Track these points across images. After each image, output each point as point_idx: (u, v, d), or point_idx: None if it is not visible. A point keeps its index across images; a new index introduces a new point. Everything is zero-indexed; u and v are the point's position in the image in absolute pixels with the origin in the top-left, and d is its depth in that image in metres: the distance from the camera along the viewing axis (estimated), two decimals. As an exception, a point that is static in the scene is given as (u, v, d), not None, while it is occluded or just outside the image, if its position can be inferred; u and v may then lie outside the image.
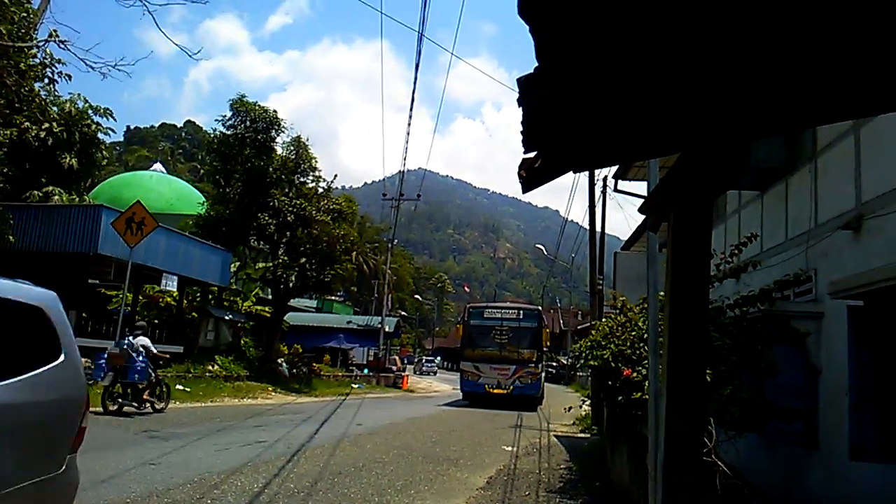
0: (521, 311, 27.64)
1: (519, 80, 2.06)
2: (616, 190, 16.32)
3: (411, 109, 20.63)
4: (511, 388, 25.30)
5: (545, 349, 29.18)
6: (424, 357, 74.16)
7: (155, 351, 14.76)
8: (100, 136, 23.73)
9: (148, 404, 14.10)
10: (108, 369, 13.69)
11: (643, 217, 3.17)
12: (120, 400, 13.61)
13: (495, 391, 25.37)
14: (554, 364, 58.18)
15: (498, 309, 28.11)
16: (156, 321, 25.65)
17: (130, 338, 14.32)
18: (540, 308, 30.75)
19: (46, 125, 20.76)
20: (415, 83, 18.86)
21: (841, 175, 7.32)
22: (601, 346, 9.45)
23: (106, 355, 14.06)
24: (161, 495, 6.92)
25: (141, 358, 13.89)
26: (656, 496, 3.98)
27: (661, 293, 4.61)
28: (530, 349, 25.94)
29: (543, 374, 27.84)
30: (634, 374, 7.13)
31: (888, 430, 6.24)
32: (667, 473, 2.59)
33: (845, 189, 7.11)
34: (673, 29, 1.78)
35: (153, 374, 14.35)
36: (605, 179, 22.33)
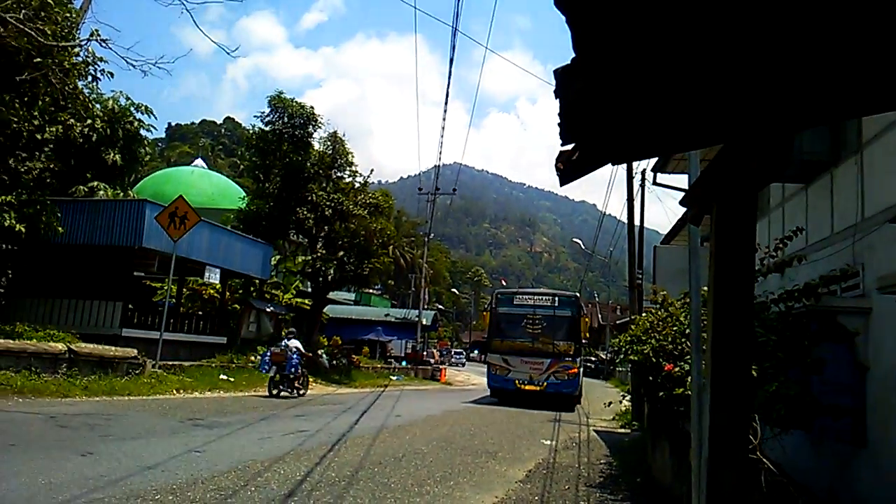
0: (557, 299, 23.88)
1: (556, 72, 2.03)
2: (655, 183, 16.06)
3: (446, 104, 20.73)
4: (545, 384, 22.19)
5: (584, 342, 26.17)
6: (453, 350, 74.62)
7: (303, 350, 19.21)
8: (142, 132, 24.32)
9: (296, 390, 18.67)
10: (271, 364, 18.19)
11: (683, 210, 3.12)
12: (281, 387, 18.17)
13: (527, 387, 22.30)
14: (593, 359, 57.71)
15: (530, 296, 24.72)
16: (199, 313, 26.21)
17: (287, 341, 18.98)
18: (578, 295, 26.51)
19: (90, 122, 21.29)
20: (449, 77, 19.11)
21: (888, 167, 7.09)
22: (641, 341, 9.34)
23: (269, 354, 18.61)
24: (206, 482, 7.06)
25: (294, 355, 18.28)
26: (700, 493, 3.92)
27: (704, 287, 4.52)
28: (567, 341, 22.85)
29: (582, 370, 24.31)
30: (676, 370, 7.03)
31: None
32: (711, 470, 2.55)
33: (893, 181, 6.89)
34: (713, 17, 1.74)
35: (301, 368, 18.78)
36: (643, 172, 22.15)
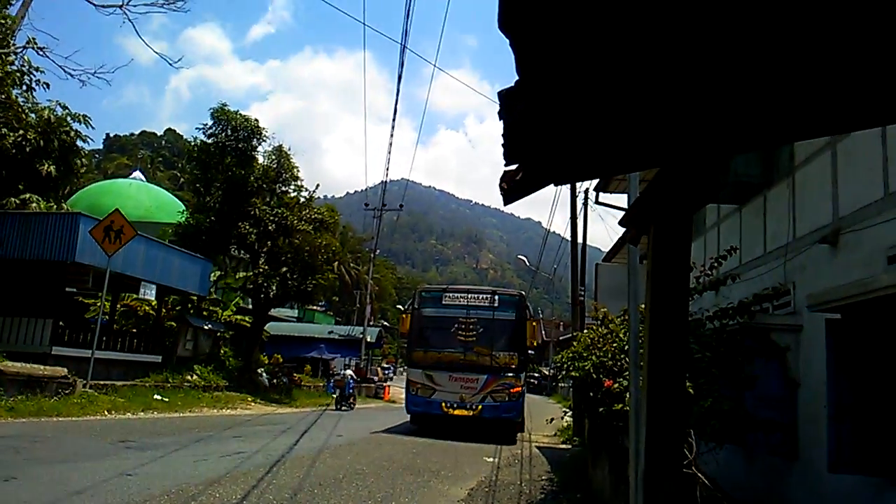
0: (497, 298, 18.40)
1: (500, 94, 2.06)
2: (597, 202, 16.42)
3: (394, 120, 20.65)
4: (479, 407, 17.02)
5: (530, 352, 21.15)
6: (381, 365, 74.03)
7: (355, 376, 30.74)
8: (79, 143, 23.46)
9: (350, 406, 27.46)
10: (334, 388, 30.17)
11: (624, 229, 3.20)
12: (341, 404, 27.03)
13: (456, 412, 17.07)
14: (536, 375, 58.13)
15: (462, 294, 18.71)
16: (134, 330, 25.33)
17: (345, 371, 30.48)
18: (523, 294, 20.10)
19: (23, 132, 20.51)
20: (397, 94, 18.76)
21: (818, 190, 7.42)
22: (583, 357, 9.47)
23: (333, 381, 32.17)
24: (137, 508, 6.81)
25: (350, 381, 28.33)
26: (636, 509, 3.98)
27: (643, 305, 4.63)
28: (509, 352, 17.65)
29: (525, 389, 18.38)
30: (615, 385, 7.15)
31: (866, 442, 6.30)
32: (647, 484, 2.60)
33: (822, 203, 7.21)
34: (651, 46, 1.79)
35: (353, 389, 28.91)
36: (586, 192, 22.54)
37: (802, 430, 7.34)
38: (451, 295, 18.39)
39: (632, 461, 4.61)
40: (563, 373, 11.47)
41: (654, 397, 2.63)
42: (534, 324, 18.96)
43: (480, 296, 18.27)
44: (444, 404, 16.97)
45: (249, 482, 8.56)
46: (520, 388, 17.22)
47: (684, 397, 2.65)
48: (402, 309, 20.99)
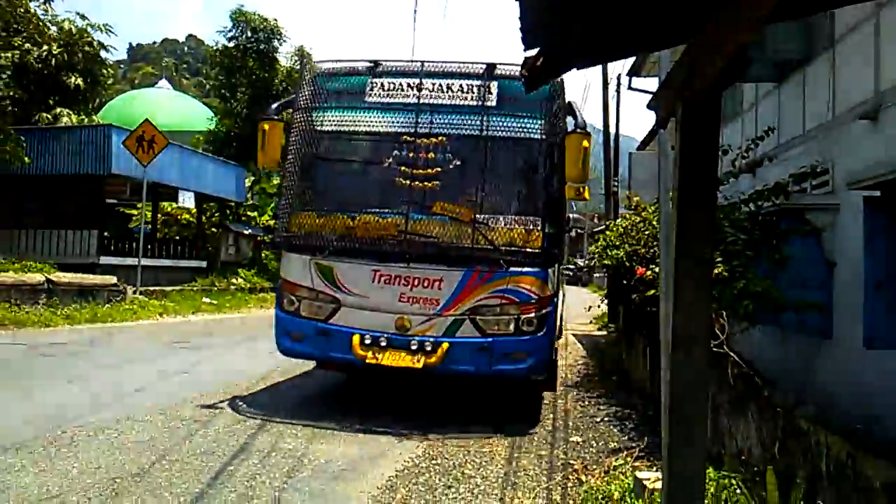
0: (498, 86, 6.99)
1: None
2: (630, 88, 15.89)
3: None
4: (443, 348, 6.59)
5: (569, 219, 11.18)
6: None
7: None
8: (102, 54, 23.34)
9: None
10: None
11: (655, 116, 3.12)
12: None
13: (385, 359, 6.63)
14: (571, 266, 58.48)
15: (412, 77, 7.14)
16: (177, 238, 26.02)
17: None
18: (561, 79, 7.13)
19: (46, 47, 20.40)
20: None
21: (859, 64, 7.06)
22: (616, 246, 9.50)
23: None
24: (195, 401, 7.22)
25: None
26: (666, 387, 4.10)
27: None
28: (523, 213, 6.94)
29: (557, 302, 7.63)
30: (648, 273, 7.20)
31: (901, 317, 6.30)
32: (673, 365, 2.66)
33: (864, 78, 6.88)
34: None
35: None
36: (619, 77, 21.74)
37: (838, 309, 7.34)
38: (386, 81, 7.26)
39: (663, 343, 4.71)
40: (598, 261, 11.54)
41: (680, 280, 2.65)
42: (584, 143, 6.78)
43: (456, 82, 7.13)
44: (358, 339, 6.75)
45: (297, 373, 8.98)
46: (547, 302, 6.93)
47: (710, 279, 2.67)
48: (268, 113, 7.51)
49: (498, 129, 6.82)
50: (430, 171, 6.77)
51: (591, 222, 55.65)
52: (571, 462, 5.79)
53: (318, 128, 7.24)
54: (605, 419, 7.45)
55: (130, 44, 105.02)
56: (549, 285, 6.84)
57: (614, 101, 22.41)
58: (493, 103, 6.88)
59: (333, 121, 7.25)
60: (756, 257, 6.14)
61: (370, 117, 7.07)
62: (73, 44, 21.78)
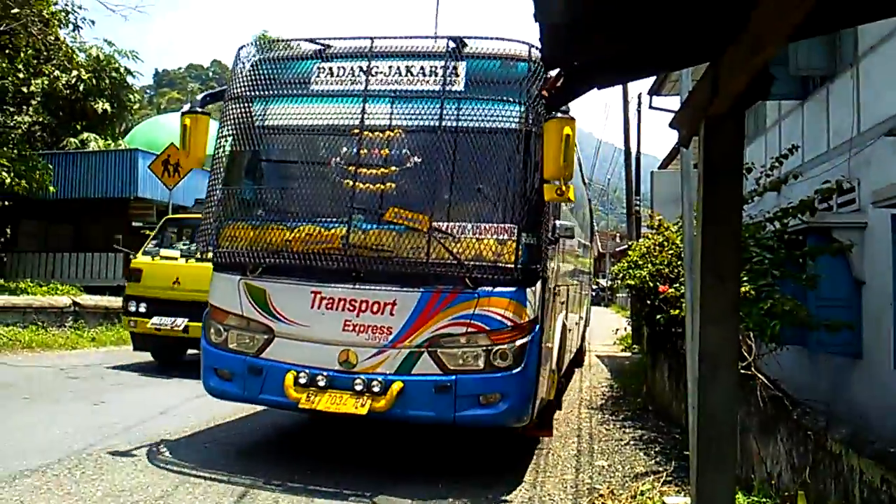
0: (465, 68, 5.63)
1: (536, -7, 1.96)
2: (651, 107, 15.88)
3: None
4: (395, 389, 5.24)
5: (556, 227, 5.96)
6: None
7: None
8: (129, 79, 23.87)
9: None
10: None
11: (677, 135, 3.10)
12: None
13: (323, 403, 5.32)
14: (594, 286, 58.04)
15: (362, 58, 5.85)
16: (200, 261, 26.30)
17: None
18: (535, 47, 5.31)
19: (75, 73, 20.92)
20: None
21: (884, 80, 6.99)
22: (639, 265, 9.42)
23: None
24: (220, 423, 7.22)
25: None
26: (693, 410, 4.03)
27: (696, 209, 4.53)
28: (493, 220, 5.49)
29: (539, 332, 5.57)
30: (671, 291, 7.12)
31: (934, 337, 6.16)
32: (700, 387, 2.62)
33: (889, 94, 6.81)
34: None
35: None
36: (639, 96, 21.72)
37: (867, 329, 7.20)
38: (336, 66, 5.99)
39: (689, 364, 4.63)
40: (620, 281, 11.45)
41: (707, 300, 2.61)
42: (567, 130, 4.95)
43: (416, 63, 5.81)
44: (292, 378, 5.45)
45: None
46: (526, 329, 5.44)
47: (737, 299, 2.62)
48: (193, 105, 6.45)
49: (466, 118, 5.43)
50: (383, 170, 5.53)
51: (612, 242, 55.40)
52: (597, 487, 5.69)
53: (253, 122, 6.01)
54: (631, 442, 7.33)
55: (156, 69, 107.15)
56: (528, 308, 5.40)
57: (635, 120, 22.34)
58: (461, 87, 5.56)
59: (271, 113, 6.03)
60: (783, 276, 6.05)
61: (314, 108, 5.78)
62: (101, 70, 22.29)
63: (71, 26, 16.31)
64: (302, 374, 5.39)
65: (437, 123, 5.46)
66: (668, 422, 8.07)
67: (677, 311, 6.62)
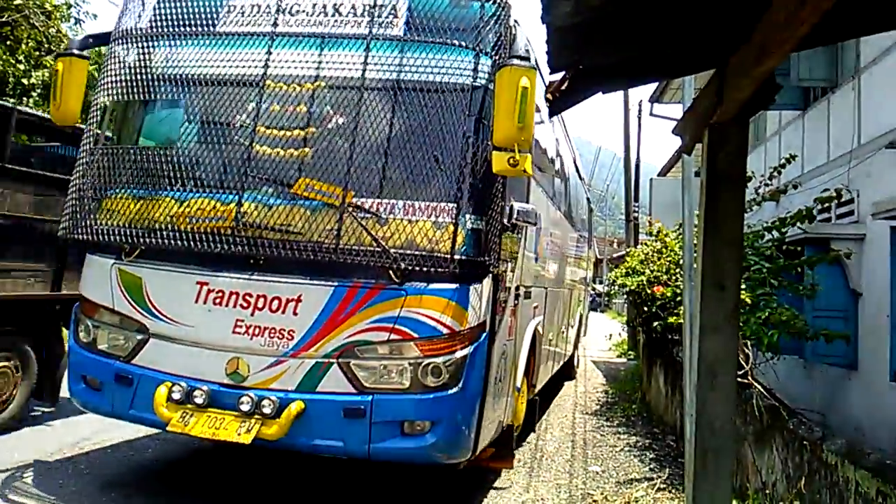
0: (407, 2, 4.42)
1: (543, -5, 1.94)
2: (652, 114, 15.88)
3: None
4: (295, 410, 4.10)
5: (514, 210, 4.62)
6: None
7: None
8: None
9: None
10: None
11: (680, 142, 3.09)
12: None
13: (199, 425, 4.15)
14: (591, 292, 57.83)
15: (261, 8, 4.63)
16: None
17: None
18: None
19: (79, 66, 20.94)
20: None
21: (886, 92, 7.01)
22: (636, 272, 9.43)
23: None
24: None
25: None
26: (690, 418, 4.03)
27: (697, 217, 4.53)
28: (434, 200, 4.19)
29: (486, 340, 4.34)
30: (667, 290, 7.13)
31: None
32: (699, 395, 2.61)
33: (890, 106, 6.83)
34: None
35: None
36: (640, 103, 21.75)
37: (864, 340, 7.21)
38: (248, 4, 4.72)
39: (687, 371, 4.63)
40: (616, 287, 11.46)
41: (706, 307, 2.61)
42: (523, 82, 3.76)
43: (347, 0, 4.57)
44: (165, 392, 4.30)
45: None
46: (468, 338, 4.22)
47: (737, 308, 2.62)
48: (70, 47, 5.08)
49: (404, 67, 4.27)
50: (293, 133, 4.34)
51: (609, 248, 55.44)
52: (591, 492, 5.68)
53: (139, 68, 4.74)
54: (626, 448, 7.32)
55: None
56: (470, 312, 4.18)
57: (635, 128, 22.35)
58: (399, 30, 4.39)
59: (161, 58, 4.79)
60: (780, 286, 6.06)
61: (214, 54, 4.55)
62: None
63: (73, 20, 16.27)
64: (176, 388, 4.25)
65: (364, 74, 4.27)
66: (663, 428, 8.06)
67: (674, 318, 6.61)
